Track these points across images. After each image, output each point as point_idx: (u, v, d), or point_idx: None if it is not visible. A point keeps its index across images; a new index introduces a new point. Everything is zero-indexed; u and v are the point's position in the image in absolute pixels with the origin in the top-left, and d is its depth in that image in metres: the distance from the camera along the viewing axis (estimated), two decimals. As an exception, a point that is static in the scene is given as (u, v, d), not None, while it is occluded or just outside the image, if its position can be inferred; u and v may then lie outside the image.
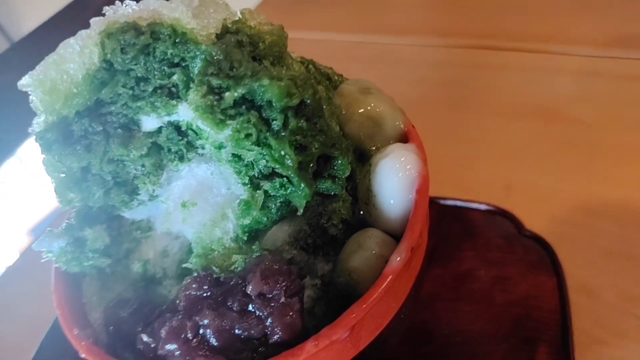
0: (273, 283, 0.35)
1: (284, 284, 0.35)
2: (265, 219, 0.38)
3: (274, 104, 0.34)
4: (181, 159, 0.39)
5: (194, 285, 0.35)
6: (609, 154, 0.73)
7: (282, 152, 0.34)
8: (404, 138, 0.44)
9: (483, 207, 0.65)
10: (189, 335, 0.34)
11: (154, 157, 0.39)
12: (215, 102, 0.34)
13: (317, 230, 0.41)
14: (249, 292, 0.34)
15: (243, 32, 0.36)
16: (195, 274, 0.36)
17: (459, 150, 0.78)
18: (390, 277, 0.34)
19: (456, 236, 0.62)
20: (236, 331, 0.34)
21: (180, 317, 0.35)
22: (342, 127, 0.43)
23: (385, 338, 0.38)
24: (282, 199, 0.37)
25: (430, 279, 0.58)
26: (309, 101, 0.35)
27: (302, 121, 0.35)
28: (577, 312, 0.55)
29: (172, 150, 0.39)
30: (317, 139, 0.36)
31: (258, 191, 0.36)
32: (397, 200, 0.39)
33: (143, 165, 0.39)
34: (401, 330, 0.42)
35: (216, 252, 0.38)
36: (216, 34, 0.36)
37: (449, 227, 0.64)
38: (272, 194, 0.37)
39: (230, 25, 0.36)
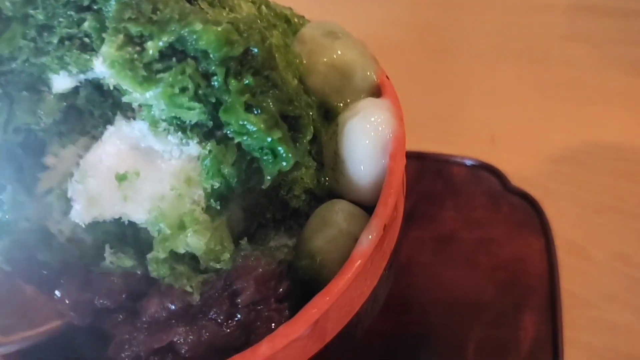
0: (266, 290, 0.30)
1: (276, 288, 0.30)
2: (236, 179, 0.31)
3: (210, 55, 0.27)
4: (107, 123, 0.32)
5: (161, 307, 0.30)
6: (601, 98, 0.68)
7: (240, 122, 0.28)
8: (376, 91, 0.37)
9: (466, 161, 0.60)
10: (142, 354, 0.29)
11: (72, 124, 0.32)
12: (135, 56, 0.27)
13: (276, 203, 0.35)
14: (238, 302, 0.30)
15: (171, -36, 0.29)
16: (163, 288, 0.30)
17: (440, 98, 0.72)
18: (358, 261, 0.29)
19: (437, 194, 0.57)
20: (216, 343, 0.29)
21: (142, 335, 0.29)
22: (303, 79, 0.36)
23: (357, 323, 0.34)
24: (251, 156, 0.31)
25: (409, 242, 0.54)
26: (256, 50, 0.28)
27: (248, 75, 0.28)
28: (565, 274, 0.51)
29: (95, 114, 0.32)
30: (269, 96, 0.30)
31: (230, 142, 0.30)
32: (368, 167, 0.34)
33: (60, 134, 0.32)
34: (376, 311, 0.37)
35: (189, 230, 0.31)
36: (137, -33, 0.28)
37: (430, 184, 0.59)
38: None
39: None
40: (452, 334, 0.47)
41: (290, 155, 0.31)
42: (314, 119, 0.36)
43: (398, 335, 0.47)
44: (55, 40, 0.29)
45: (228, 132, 0.30)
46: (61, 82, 0.30)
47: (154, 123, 0.30)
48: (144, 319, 0.30)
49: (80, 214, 0.30)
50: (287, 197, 0.35)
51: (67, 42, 0.29)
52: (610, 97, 0.67)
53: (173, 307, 0.29)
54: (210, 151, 0.31)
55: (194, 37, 0.26)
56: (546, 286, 0.49)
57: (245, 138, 0.30)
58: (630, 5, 0.76)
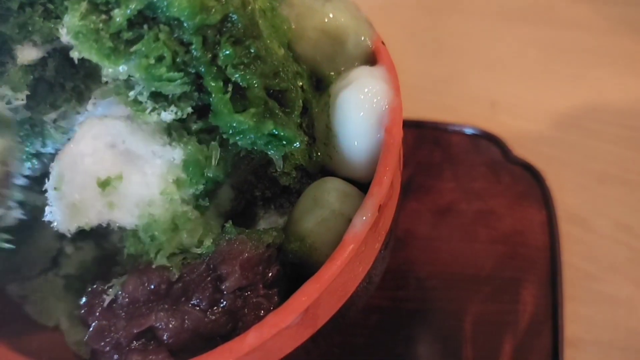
0: (252, 275, 0.28)
1: (265, 273, 0.29)
2: (222, 174, 0.30)
3: (184, 23, 0.24)
4: (80, 97, 0.30)
5: (140, 286, 0.28)
6: (606, 62, 0.65)
7: (229, 125, 0.27)
8: (371, 58, 0.35)
9: (466, 130, 0.57)
10: (123, 341, 0.27)
11: (42, 98, 0.29)
12: (101, 25, 0.24)
13: (265, 181, 0.33)
14: (223, 288, 0.28)
15: None
16: (142, 266, 0.28)
17: (439, 61, 0.69)
18: (351, 246, 0.27)
19: (436, 165, 0.55)
20: (200, 330, 0.28)
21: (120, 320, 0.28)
22: (291, 46, 0.33)
23: (350, 305, 0.32)
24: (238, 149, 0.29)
25: (406, 214, 0.52)
26: (235, 17, 0.26)
27: (227, 45, 0.26)
28: (567, 245, 0.50)
29: (67, 87, 0.30)
30: (251, 71, 0.27)
31: (212, 143, 0.28)
32: (362, 142, 0.32)
33: (29, 109, 0.29)
34: (371, 291, 0.35)
35: (183, 231, 0.29)
36: None
37: (428, 154, 0.56)
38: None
39: None
40: (449, 309, 0.46)
41: (295, 135, 0.30)
42: (305, 90, 0.33)
43: (394, 311, 0.46)
44: (15, 6, 0.26)
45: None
46: (26, 53, 0.28)
47: (137, 107, 0.28)
48: (123, 301, 0.28)
49: (64, 223, 0.28)
50: (276, 174, 0.33)
51: (28, 9, 0.26)
52: (616, 60, 0.64)
53: (152, 286, 0.28)
54: (190, 151, 0.29)
55: (165, 3, 0.24)
56: (547, 259, 0.48)
57: (239, 137, 0.29)
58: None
